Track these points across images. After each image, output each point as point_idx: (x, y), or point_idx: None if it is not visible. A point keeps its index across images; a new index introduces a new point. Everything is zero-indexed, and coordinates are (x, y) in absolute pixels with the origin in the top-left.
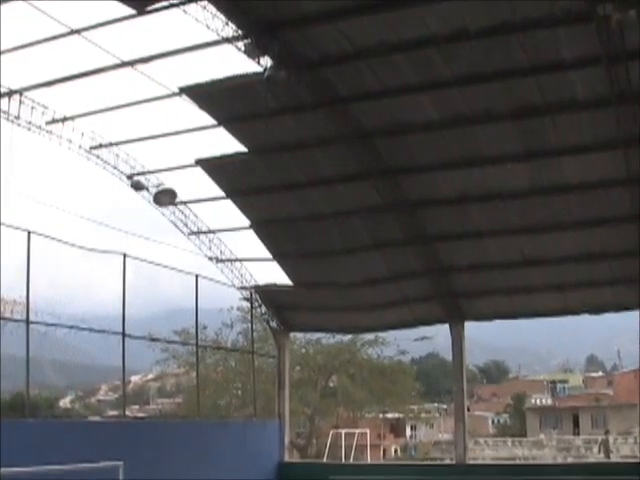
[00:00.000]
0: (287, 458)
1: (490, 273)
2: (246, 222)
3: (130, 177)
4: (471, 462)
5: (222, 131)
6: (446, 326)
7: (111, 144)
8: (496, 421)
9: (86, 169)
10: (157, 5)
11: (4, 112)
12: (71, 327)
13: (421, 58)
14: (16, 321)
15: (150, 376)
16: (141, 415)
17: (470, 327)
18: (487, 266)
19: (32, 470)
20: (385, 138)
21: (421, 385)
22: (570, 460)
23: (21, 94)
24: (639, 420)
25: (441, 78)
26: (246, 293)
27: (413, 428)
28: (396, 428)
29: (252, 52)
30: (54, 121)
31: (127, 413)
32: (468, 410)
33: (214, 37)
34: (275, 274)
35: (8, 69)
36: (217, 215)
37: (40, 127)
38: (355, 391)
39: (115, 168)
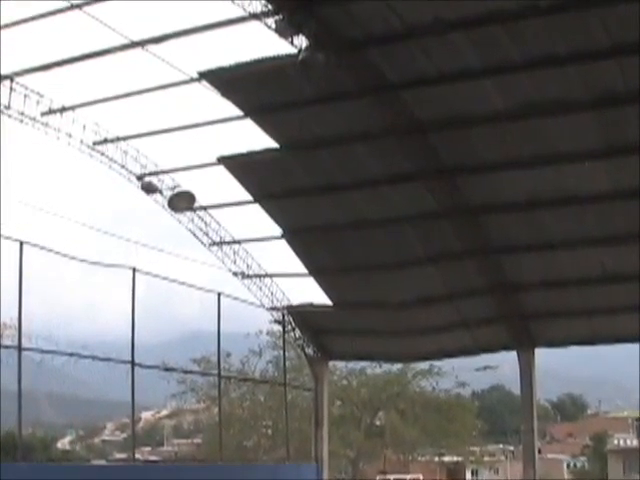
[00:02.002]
0: None
1: (565, 291)
2: (277, 231)
3: (140, 178)
4: None
5: (249, 123)
6: (513, 353)
7: (118, 139)
8: (572, 465)
9: (89, 168)
10: None
11: None
12: (71, 354)
13: (484, 38)
14: (6, 347)
15: (164, 412)
16: (153, 458)
17: (541, 355)
18: (561, 283)
19: None
20: (442, 132)
21: (484, 423)
22: None
23: (12, 80)
24: None
25: (508, 61)
26: (277, 315)
27: (474, 473)
28: (454, 473)
29: (284, 30)
30: (51, 112)
31: (137, 456)
32: (539, 452)
33: (240, 13)
34: (312, 292)
35: None
36: (243, 223)
37: (34, 119)
38: (406, 430)
39: (123, 167)
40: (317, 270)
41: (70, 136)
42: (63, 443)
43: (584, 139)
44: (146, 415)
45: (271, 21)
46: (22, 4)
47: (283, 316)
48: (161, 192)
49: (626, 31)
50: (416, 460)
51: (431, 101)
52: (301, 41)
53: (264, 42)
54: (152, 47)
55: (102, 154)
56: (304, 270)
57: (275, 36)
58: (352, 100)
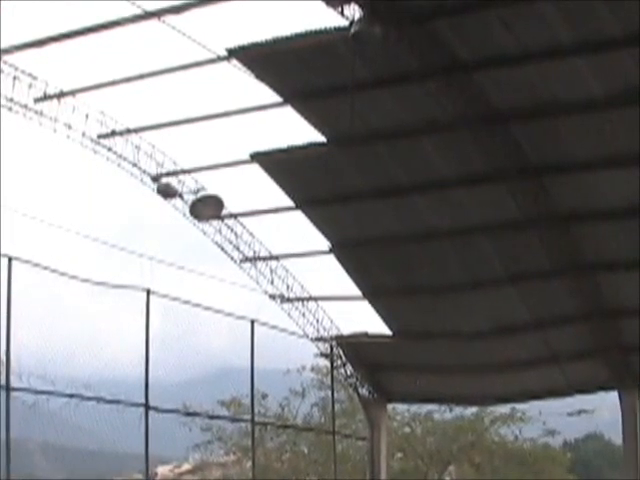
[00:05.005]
0: None
1: None
2: (324, 244)
3: (156, 179)
4: None
5: (289, 112)
6: (613, 395)
7: (129, 131)
8: None
9: (93, 167)
10: None
11: None
12: (71, 396)
13: (578, 8)
14: None
15: (185, 467)
16: None
17: None
18: None
19: None
20: (525, 123)
21: (578, 478)
22: None
23: None
24: None
25: (606, 37)
26: (324, 347)
27: None
28: None
29: None
30: (46, 97)
31: None
32: None
33: None
34: (366, 319)
35: None
36: (282, 234)
37: (26, 106)
38: None
39: (135, 166)
40: (373, 292)
41: (70, 127)
42: None
43: None
44: (163, 470)
45: None
46: None
47: (331, 348)
48: (181, 196)
49: None
50: None
51: (512, 85)
52: (353, 11)
53: (308, 12)
54: (170, 18)
55: (109, 149)
56: (357, 292)
57: (322, 5)
58: (416, 84)
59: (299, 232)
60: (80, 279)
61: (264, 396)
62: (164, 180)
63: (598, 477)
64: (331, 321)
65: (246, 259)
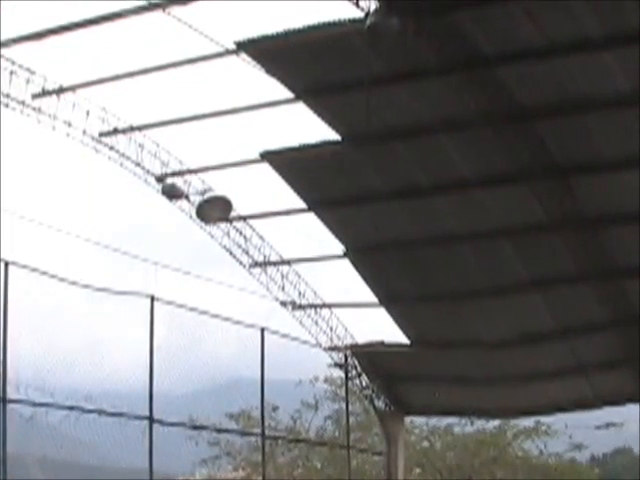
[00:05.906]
0: None
1: None
2: (338, 248)
3: (161, 179)
4: None
5: (301, 108)
6: None
7: (132, 129)
8: None
9: (94, 166)
10: None
11: None
12: (71, 408)
13: (606, 0)
14: None
15: None
16: None
17: None
18: None
19: None
20: (550, 120)
21: None
22: None
23: None
24: None
25: (636, 31)
26: (338, 356)
27: None
28: None
29: None
30: (45, 93)
31: None
32: None
33: None
34: (383, 327)
35: None
36: (294, 237)
37: (24, 102)
38: None
39: (138, 165)
40: (390, 299)
41: (70, 125)
42: None
43: None
44: None
45: None
46: None
47: (346, 358)
48: (187, 198)
49: None
50: None
51: (537, 81)
52: (369, 2)
53: (321, 3)
54: (176, 10)
55: (111, 148)
56: (373, 299)
57: None
58: (435, 79)
59: (312, 235)
60: (81, 285)
61: (275, 408)
62: (169, 180)
63: None
64: (345, 329)
65: (256, 264)
